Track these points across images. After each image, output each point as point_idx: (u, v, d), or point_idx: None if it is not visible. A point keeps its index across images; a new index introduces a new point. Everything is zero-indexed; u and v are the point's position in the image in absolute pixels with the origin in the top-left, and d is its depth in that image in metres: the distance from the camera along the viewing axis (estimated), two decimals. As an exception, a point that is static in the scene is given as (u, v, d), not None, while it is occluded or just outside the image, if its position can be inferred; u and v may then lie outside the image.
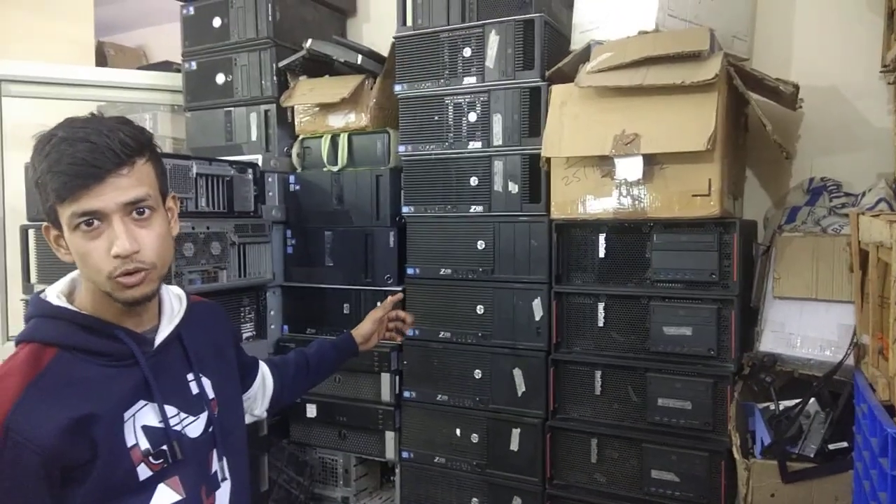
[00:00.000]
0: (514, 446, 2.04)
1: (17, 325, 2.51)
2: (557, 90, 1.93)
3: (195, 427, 1.07)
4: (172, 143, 2.95)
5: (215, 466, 1.09)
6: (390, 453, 2.26)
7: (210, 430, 1.09)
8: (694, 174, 1.75)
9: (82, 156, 0.90)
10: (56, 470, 0.92)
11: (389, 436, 2.25)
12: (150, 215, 0.97)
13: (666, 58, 1.76)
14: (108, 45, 3.59)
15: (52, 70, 2.77)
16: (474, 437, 2.10)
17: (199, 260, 2.04)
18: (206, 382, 1.11)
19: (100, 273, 0.93)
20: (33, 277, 2.24)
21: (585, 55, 1.93)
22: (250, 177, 2.26)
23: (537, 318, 2.02)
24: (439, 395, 2.15)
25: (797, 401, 1.76)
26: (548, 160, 1.94)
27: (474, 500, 2.10)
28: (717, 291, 1.80)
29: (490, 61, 2.05)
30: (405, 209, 2.22)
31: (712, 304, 1.80)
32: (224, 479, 1.10)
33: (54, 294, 1.00)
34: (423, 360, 2.19)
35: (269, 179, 2.38)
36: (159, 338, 1.05)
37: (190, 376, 1.09)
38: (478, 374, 2.10)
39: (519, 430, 2.04)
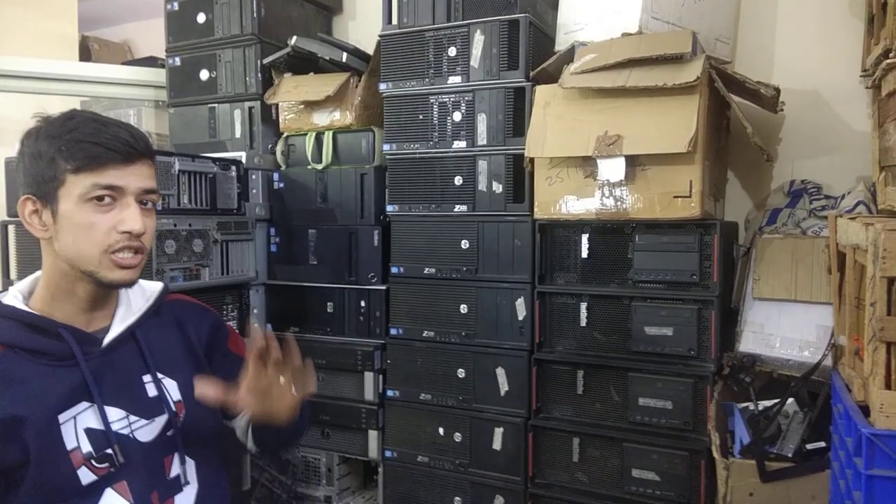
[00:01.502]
0: (497, 445, 2.05)
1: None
2: (541, 91, 1.94)
3: (148, 430, 1.04)
4: (156, 140, 2.94)
5: (176, 471, 1.06)
6: (373, 452, 2.26)
7: (169, 433, 1.05)
8: (675, 176, 1.76)
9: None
10: None
11: (373, 435, 2.25)
12: (152, 209, 1.03)
13: (649, 60, 1.77)
14: (92, 39, 3.56)
15: (35, 65, 2.74)
16: (457, 437, 2.11)
17: (181, 257, 2.03)
18: (170, 384, 1.07)
19: (97, 246, 0.96)
20: (13, 273, 2.22)
21: (570, 56, 1.94)
22: (234, 174, 2.25)
23: (520, 318, 2.02)
24: (423, 394, 2.16)
25: (776, 401, 1.78)
26: (531, 160, 1.95)
27: (457, 499, 2.11)
28: (698, 292, 1.82)
29: (475, 61, 2.05)
30: (389, 208, 2.22)
31: (693, 305, 1.82)
32: (186, 483, 1.07)
33: (12, 293, 1.01)
34: (407, 359, 2.19)
35: (253, 177, 2.37)
36: (108, 338, 1.03)
37: (147, 378, 1.05)
38: (461, 373, 2.11)
39: (502, 429, 2.04)
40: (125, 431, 1.01)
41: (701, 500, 1.80)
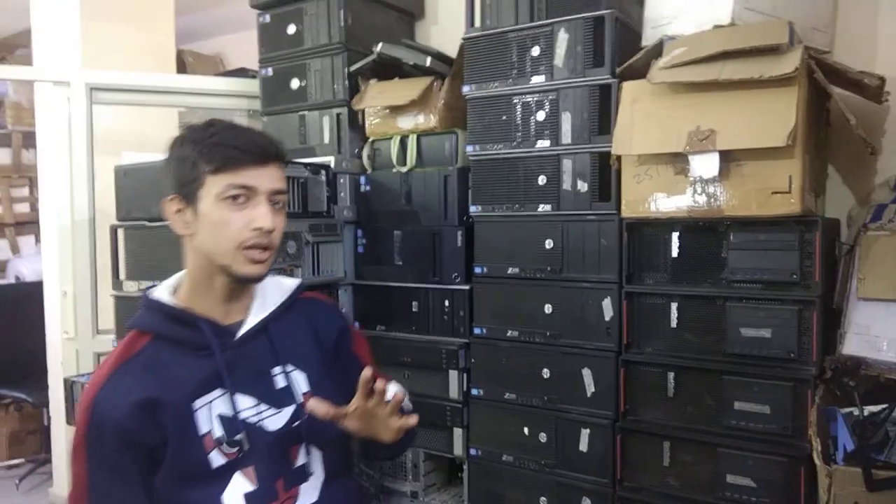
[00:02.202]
0: (584, 447, 2.03)
1: (107, 320, 2.66)
2: (628, 87, 1.91)
3: (276, 419, 1.10)
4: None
5: (302, 460, 1.12)
6: (458, 450, 2.29)
7: (296, 423, 1.11)
8: (773, 171, 1.70)
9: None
10: (135, 448, 1.01)
11: (457, 433, 2.28)
12: (282, 209, 1.09)
13: (743, 52, 1.72)
14: (187, 52, 3.76)
15: (137, 78, 2.92)
16: (542, 437, 2.10)
17: (277, 258, 2.10)
18: (300, 377, 1.13)
19: (231, 241, 1.03)
20: (122, 274, 2.37)
21: (658, 51, 1.90)
22: (323, 178, 2.33)
23: (607, 319, 2.00)
24: (507, 394, 2.16)
25: (883, 406, 1.68)
26: (618, 158, 1.92)
27: (543, 499, 2.10)
28: (798, 292, 1.74)
29: (559, 59, 2.04)
30: (473, 208, 2.24)
31: (793, 306, 1.74)
32: (312, 472, 1.12)
33: (161, 289, 1.10)
34: (491, 359, 2.21)
35: (341, 180, 2.45)
36: (242, 330, 1.10)
37: (276, 370, 1.12)
38: (546, 373, 2.10)
39: (588, 430, 2.02)
40: (254, 420, 1.08)
41: (801, 509, 1.73)
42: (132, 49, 3.27)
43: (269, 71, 2.68)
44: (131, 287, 2.39)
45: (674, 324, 1.90)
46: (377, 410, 1.05)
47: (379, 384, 1.05)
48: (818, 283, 1.73)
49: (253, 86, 2.83)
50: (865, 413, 1.70)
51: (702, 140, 1.72)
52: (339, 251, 2.34)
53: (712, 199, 1.78)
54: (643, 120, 1.84)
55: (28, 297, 3.76)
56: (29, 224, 4.49)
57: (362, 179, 2.49)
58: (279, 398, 1.11)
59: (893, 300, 1.75)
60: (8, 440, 4.12)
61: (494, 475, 2.20)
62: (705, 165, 1.74)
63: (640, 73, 1.91)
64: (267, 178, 1.05)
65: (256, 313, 1.13)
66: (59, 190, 2.85)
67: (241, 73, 3.15)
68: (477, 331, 2.23)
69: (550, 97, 2.07)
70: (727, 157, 1.74)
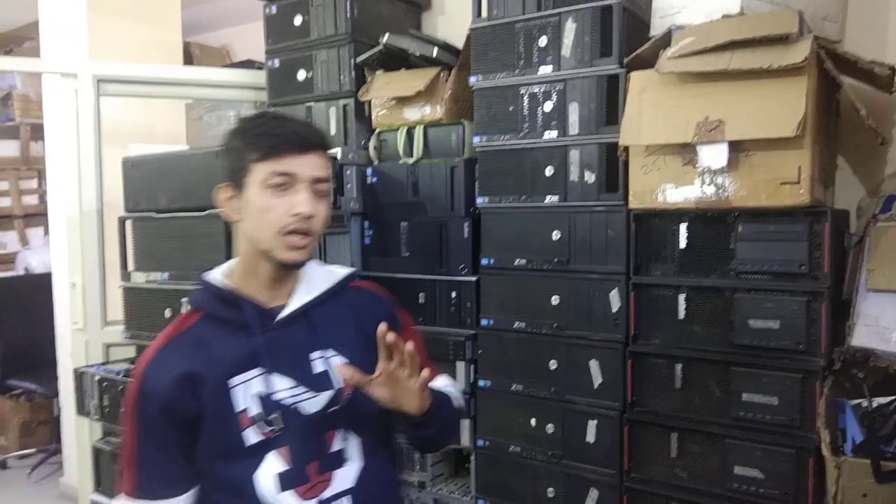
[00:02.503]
0: (591, 438, 2.03)
1: (116, 312, 2.67)
2: (636, 77, 1.90)
3: (313, 403, 1.11)
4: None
5: (338, 446, 1.13)
6: (465, 440, 2.29)
7: (333, 409, 1.12)
8: (782, 161, 1.69)
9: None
10: (176, 419, 1.07)
11: (464, 423, 2.28)
12: (324, 197, 1.12)
13: (752, 41, 1.70)
14: (193, 45, 3.75)
15: (144, 70, 2.92)
16: (549, 428, 2.11)
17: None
18: (340, 363, 1.14)
19: (273, 227, 1.07)
20: (130, 265, 2.39)
21: (666, 41, 1.89)
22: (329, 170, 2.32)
23: (614, 310, 2.00)
24: (514, 385, 2.16)
25: (892, 398, 1.68)
26: (626, 149, 1.91)
27: (550, 490, 2.11)
28: (807, 283, 1.73)
29: (566, 50, 2.03)
30: (479, 200, 2.23)
31: (801, 297, 1.73)
32: (349, 459, 1.13)
33: (216, 271, 1.18)
34: (498, 350, 2.21)
35: (348, 172, 2.44)
36: (282, 313, 1.13)
37: (315, 354, 1.14)
38: (553, 364, 2.10)
39: (595, 421, 2.03)
40: (290, 401, 1.10)
41: (808, 500, 1.73)
42: (139, 41, 3.27)
43: (276, 62, 2.68)
44: (139, 278, 2.40)
45: (681, 315, 1.89)
46: (398, 373, 1.05)
47: (390, 337, 1.03)
48: (827, 275, 1.72)
49: (260, 77, 2.83)
50: (874, 405, 1.70)
51: (710, 130, 1.71)
52: (345, 243, 2.34)
53: (721, 190, 1.77)
54: (651, 110, 1.83)
55: (37, 288, 3.79)
56: (37, 216, 4.52)
57: (369, 171, 2.48)
58: (317, 382, 1.12)
59: (903, 292, 1.74)
60: (19, 430, 4.16)
61: (501, 466, 2.20)
62: (714, 156, 1.73)
63: (648, 63, 1.90)
64: (308, 165, 1.08)
65: (299, 298, 1.15)
66: (67, 182, 2.86)
67: (248, 64, 3.15)
68: (484, 322, 2.24)
69: (558, 87, 2.06)
70: (736, 148, 1.73)
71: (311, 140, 1.10)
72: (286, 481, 1.08)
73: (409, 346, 1.04)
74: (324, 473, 1.11)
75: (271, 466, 1.08)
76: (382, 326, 1.04)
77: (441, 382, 1.28)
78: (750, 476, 1.79)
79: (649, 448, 1.95)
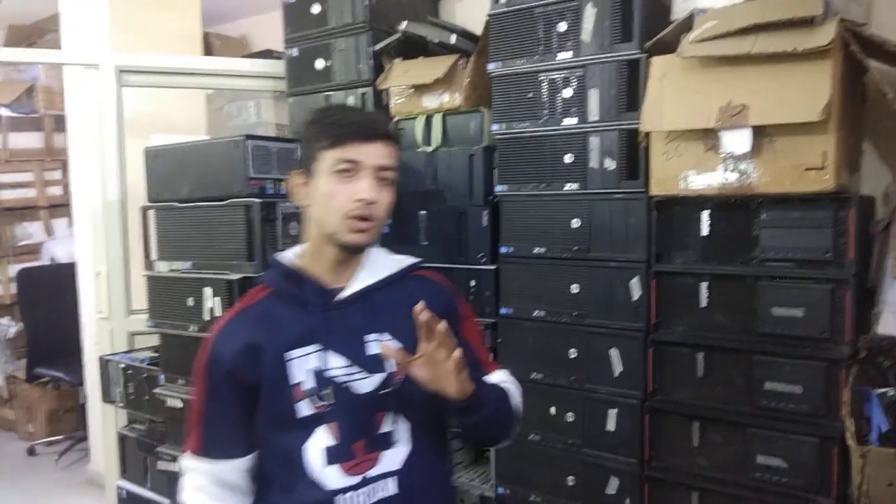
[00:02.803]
0: (611, 426, 2.03)
1: (140, 300, 2.71)
2: (658, 62, 1.87)
3: (365, 383, 1.14)
4: (276, 130, 3.08)
5: (387, 428, 1.15)
6: (485, 429, 2.29)
7: (385, 391, 1.15)
8: (807, 147, 1.66)
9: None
10: (238, 385, 1.14)
11: (484, 412, 2.28)
12: (389, 185, 1.16)
13: (776, 24, 1.67)
14: (213, 35, 3.76)
15: (165, 60, 2.94)
16: (570, 416, 2.10)
17: (304, 239, 2.12)
18: (394, 346, 1.15)
19: (337, 212, 1.12)
20: (153, 254, 2.41)
21: (688, 24, 1.86)
22: (349, 158, 2.32)
23: (635, 298, 1.98)
24: (534, 373, 2.16)
25: (920, 387, 1.65)
26: (647, 135, 1.89)
27: (570, 478, 2.11)
28: (832, 271, 1.71)
29: (586, 35, 2.01)
30: (499, 188, 2.22)
31: (826, 284, 1.71)
32: (397, 441, 1.16)
33: (288, 251, 1.24)
34: (518, 338, 2.20)
35: (367, 161, 2.44)
36: (342, 294, 1.17)
37: (370, 336, 1.17)
38: (573, 353, 2.09)
39: (616, 410, 2.02)
40: (343, 379, 1.14)
41: (833, 489, 1.71)
42: (159, 32, 3.29)
43: (295, 51, 2.68)
44: (162, 267, 2.43)
45: (703, 303, 1.88)
46: (437, 355, 1.06)
47: (423, 315, 1.04)
48: (852, 262, 1.69)
49: (279, 67, 2.83)
50: (901, 394, 1.67)
51: (733, 115, 1.68)
52: (365, 231, 2.34)
53: (744, 176, 1.75)
54: (673, 95, 1.81)
55: (62, 278, 3.85)
56: (62, 207, 4.58)
57: (388, 160, 2.48)
58: (370, 363, 1.15)
59: (931, 279, 1.71)
60: (47, 418, 4.25)
61: (521, 454, 2.20)
62: (737, 141, 1.70)
63: (669, 47, 1.87)
64: (373, 153, 1.12)
65: (361, 281, 1.19)
66: (90, 172, 2.90)
67: (267, 54, 3.15)
68: (503, 311, 2.23)
69: (577, 73, 2.04)
70: (760, 133, 1.70)
71: (376, 129, 1.14)
72: (332, 456, 1.12)
73: (442, 325, 1.04)
74: (371, 453, 1.14)
75: (320, 440, 1.12)
76: (419, 305, 1.05)
77: (498, 377, 1.28)
78: (773, 465, 1.77)
79: (671, 437, 1.94)
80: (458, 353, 1.07)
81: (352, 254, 1.17)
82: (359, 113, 1.18)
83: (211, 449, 1.17)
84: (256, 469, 1.18)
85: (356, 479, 1.12)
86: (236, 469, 1.17)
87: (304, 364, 1.13)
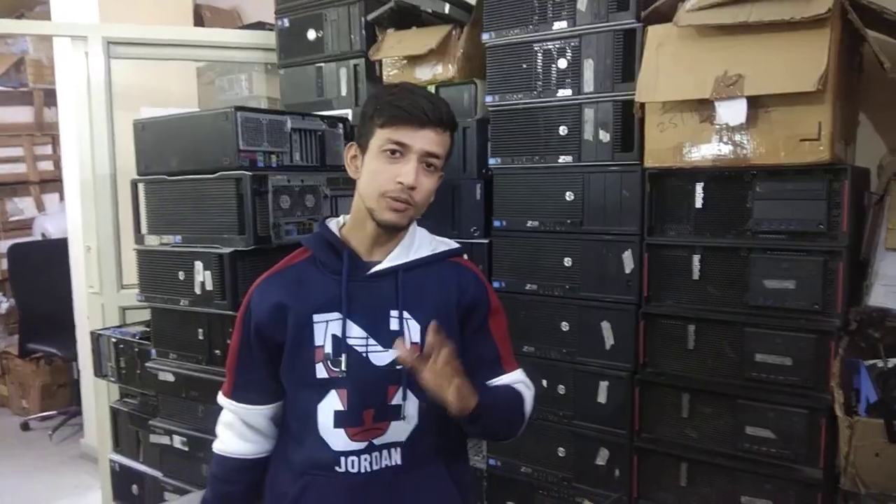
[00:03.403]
0: (602, 399, 2.04)
1: (131, 274, 2.69)
2: (654, 31, 1.85)
3: (381, 357, 1.18)
4: (267, 103, 3.04)
5: (398, 401, 1.18)
6: (477, 402, 2.30)
7: (399, 367, 1.16)
8: (803, 117, 1.65)
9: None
10: (266, 339, 1.21)
11: (476, 385, 2.29)
12: (433, 171, 1.18)
13: (774, -8, 1.65)
14: (204, 7, 3.71)
15: (155, 31, 2.89)
16: (561, 389, 2.11)
17: (295, 212, 2.11)
18: (414, 326, 1.19)
19: (378, 189, 1.15)
20: (144, 228, 2.39)
21: (685, -6, 1.83)
22: (341, 131, 2.31)
23: (628, 271, 1.98)
24: (525, 347, 2.16)
25: (909, 358, 1.66)
26: (642, 106, 1.88)
27: (560, 449, 2.12)
28: (825, 242, 1.70)
29: (582, 4, 1.98)
30: (492, 161, 2.21)
31: (818, 256, 1.71)
32: (406, 415, 1.18)
33: (334, 219, 1.28)
34: (510, 312, 2.13)
35: (359, 133, 2.42)
36: (374, 269, 1.20)
37: (394, 312, 1.19)
38: (565, 326, 2.09)
39: (607, 382, 2.02)
40: (360, 349, 1.18)
41: (821, 460, 1.72)
42: (150, 4, 3.24)
43: (286, 21, 2.64)
44: (153, 241, 2.41)
45: (696, 276, 1.88)
46: (445, 370, 1.06)
47: (430, 339, 1.06)
48: (845, 234, 1.69)
49: (270, 39, 2.79)
50: (890, 365, 1.68)
51: (729, 85, 1.67)
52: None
53: (739, 148, 1.74)
54: (669, 65, 1.79)
55: (54, 253, 3.83)
56: (53, 182, 4.55)
57: (380, 132, 2.45)
58: (389, 338, 1.18)
59: (923, 252, 1.71)
60: (40, 393, 4.25)
61: (513, 426, 2.21)
62: (732, 112, 1.69)
63: (666, 16, 1.85)
64: (422, 139, 1.14)
65: (394, 258, 1.21)
66: (80, 146, 2.86)
67: (259, 26, 3.10)
68: (496, 284, 2.23)
69: (572, 44, 2.01)
70: (755, 104, 1.69)
71: (430, 116, 1.14)
72: (340, 420, 1.17)
73: (445, 353, 1.05)
74: (379, 422, 1.18)
75: (332, 403, 1.17)
76: (433, 325, 1.08)
77: (514, 377, 1.29)
78: (762, 436, 1.78)
79: (660, 408, 1.95)
80: (456, 380, 1.07)
81: (388, 232, 1.20)
82: (419, 98, 1.16)
83: (239, 393, 1.26)
84: (280, 417, 1.27)
85: (362, 445, 1.17)
86: (260, 414, 1.26)
87: (326, 329, 1.18)
